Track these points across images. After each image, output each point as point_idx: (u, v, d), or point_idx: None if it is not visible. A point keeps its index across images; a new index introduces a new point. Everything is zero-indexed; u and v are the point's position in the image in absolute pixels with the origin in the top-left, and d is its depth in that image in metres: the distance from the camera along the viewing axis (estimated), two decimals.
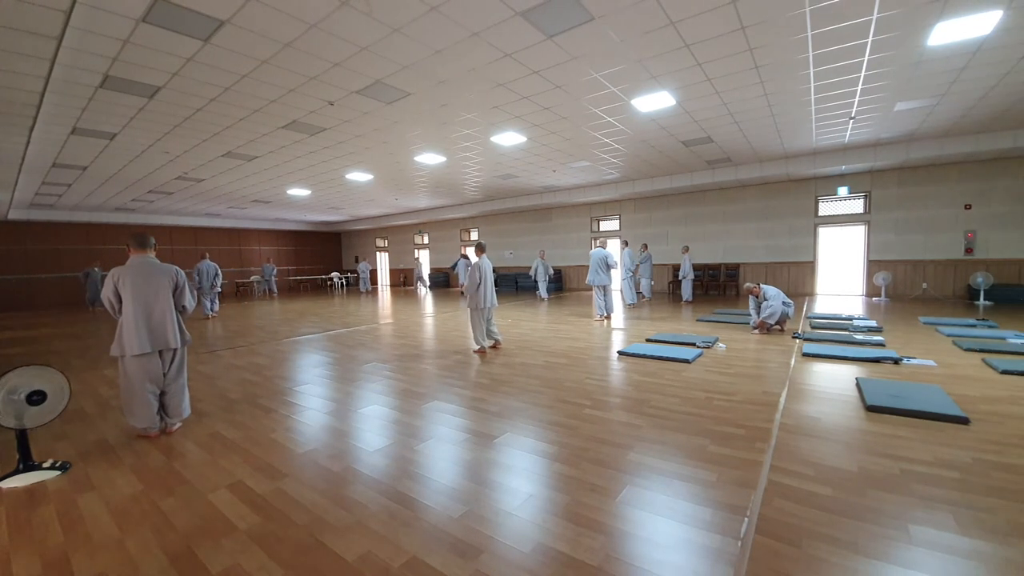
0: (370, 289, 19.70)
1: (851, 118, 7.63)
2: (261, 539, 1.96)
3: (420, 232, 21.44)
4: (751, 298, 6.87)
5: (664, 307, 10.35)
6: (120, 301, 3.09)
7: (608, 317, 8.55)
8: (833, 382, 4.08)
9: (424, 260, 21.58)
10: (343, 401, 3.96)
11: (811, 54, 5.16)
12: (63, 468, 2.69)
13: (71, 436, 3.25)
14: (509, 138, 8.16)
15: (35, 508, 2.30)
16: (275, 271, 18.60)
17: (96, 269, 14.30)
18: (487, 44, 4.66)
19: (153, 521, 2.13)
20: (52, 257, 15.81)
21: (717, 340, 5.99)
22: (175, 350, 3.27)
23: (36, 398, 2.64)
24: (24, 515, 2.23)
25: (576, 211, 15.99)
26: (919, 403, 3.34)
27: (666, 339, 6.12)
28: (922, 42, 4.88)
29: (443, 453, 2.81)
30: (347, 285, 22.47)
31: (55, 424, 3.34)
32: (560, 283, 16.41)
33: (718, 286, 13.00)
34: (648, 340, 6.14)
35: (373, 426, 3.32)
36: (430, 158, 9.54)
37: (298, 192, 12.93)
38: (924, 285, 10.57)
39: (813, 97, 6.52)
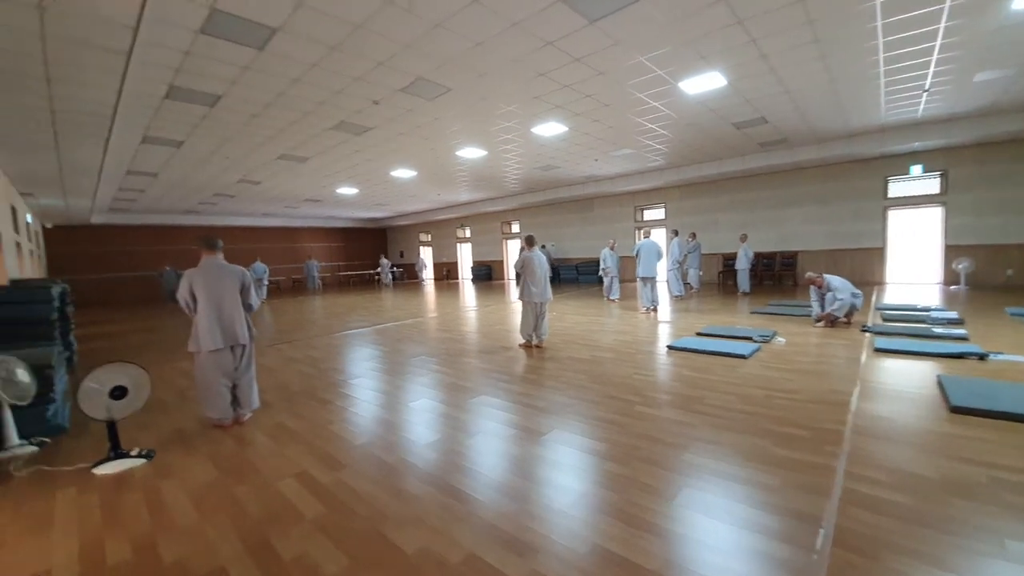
0: (390, 284, 20.45)
1: (925, 91, 6.95)
2: (327, 529, 2.06)
3: (462, 226, 21.69)
4: (812, 289, 6.45)
5: (713, 299, 9.93)
6: (195, 300, 3.32)
7: (655, 309, 8.31)
8: (911, 380, 3.76)
9: (466, 254, 21.88)
10: (393, 394, 4.09)
11: (879, 23, 4.73)
12: (148, 456, 2.94)
13: (153, 426, 3.54)
14: (550, 128, 8.04)
15: (124, 494, 2.52)
16: (318, 267, 19.45)
17: (168, 268, 15.63)
18: (528, 33, 4.58)
19: (228, 508, 2.28)
20: (128, 257, 17.33)
21: (775, 334, 5.67)
22: (244, 345, 3.48)
23: (117, 392, 2.88)
24: (114, 500, 2.46)
25: (619, 200, 15.59)
26: (1011, 404, 3.01)
27: (718, 332, 5.87)
28: (1006, 5, 4.35)
29: (493, 448, 2.83)
30: (394, 279, 22.96)
31: (140, 414, 3.64)
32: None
33: (773, 276, 12.30)
34: (699, 334, 5.91)
35: (423, 419, 3.40)
36: (471, 152, 9.58)
37: (346, 190, 13.39)
38: (1008, 272, 9.51)
39: (882, 69, 5.98)
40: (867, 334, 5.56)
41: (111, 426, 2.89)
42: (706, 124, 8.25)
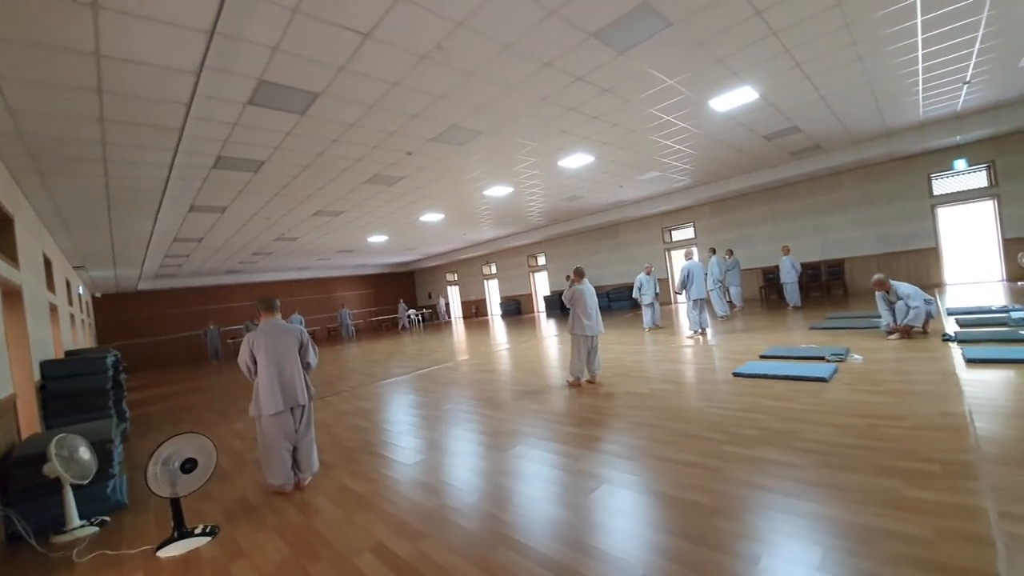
0: (407, 327, 21.13)
1: (966, 83, 6.67)
2: None
3: (487, 263, 21.83)
4: (879, 297, 6.02)
5: (760, 316, 9.47)
6: (255, 364, 3.28)
7: (703, 333, 7.95)
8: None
9: (494, 290, 21.93)
10: (454, 447, 3.90)
11: (919, 20, 4.58)
12: (212, 533, 2.82)
13: (215, 496, 3.44)
14: (576, 160, 8.05)
15: None
16: (350, 314, 20.15)
17: (212, 326, 16.24)
18: (558, 71, 4.61)
19: None
20: (174, 319, 18.02)
21: (849, 351, 5.26)
22: (303, 406, 3.40)
23: (188, 466, 2.81)
24: None
25: (645, 224, 15.41)
26: None
27: (783, 354, 5.49)
28: None
29: (583, 505, 2.59)
30: (423, 321, 23.35)
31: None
32: (635, 300, 15.74)
33: (820, 286, 11.72)
34: (762, 357, 5.54)
35: (494, 476, 3.20)
36: (497, 190, 9.67)
37: (377, 238, 13.70)
38: None
39: (921, 66, 5.77)
40: (951, 343, 5.10)
41: (175, 503, 2.79)
42: (735, 139, 8.11)
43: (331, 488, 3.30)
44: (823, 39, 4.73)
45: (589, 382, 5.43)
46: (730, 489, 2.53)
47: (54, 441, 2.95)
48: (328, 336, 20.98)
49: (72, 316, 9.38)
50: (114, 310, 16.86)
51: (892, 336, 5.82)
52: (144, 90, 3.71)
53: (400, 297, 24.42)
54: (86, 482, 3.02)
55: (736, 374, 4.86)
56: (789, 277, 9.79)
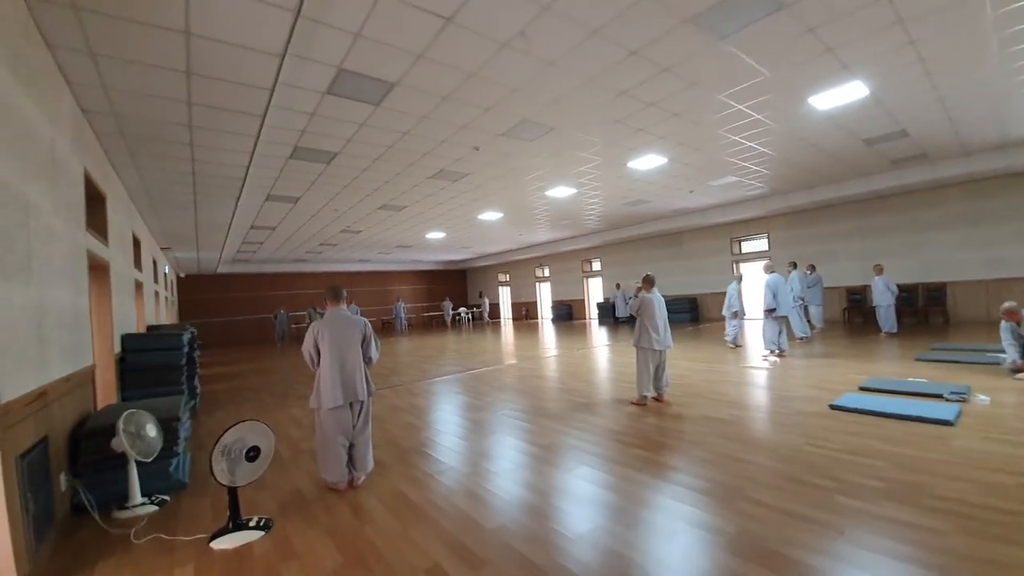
0: (449, 324, 21.76)
1: None
2: None
3: (541, 265, 21.55)
4: (1006, 329, 5.13)
5: (844, 340, 8.50)
6: (319, 354, 3.20)
7: (782, 354, 7.23)
8: None
9: (545, 294, 21.63)
10: (511, 459, 3.65)
11: None
12: (266, 527, 2.73)
13: (270, 485, 3.38)
14: (647, 161, 7.59)
15: (244, 575, 2.28)
16: (404, 308, 20.69)
17: (282, 311, 17.35)
18: (645, 61, 4.25)
19: None
20: (248, 302, 19.27)
21: (971, 390, 4.48)
22: (363, 402, 3.28)
23: (252, 454, 2.74)
24: None
25: (712, 233, 14.49)
26: None
27: (889, 387, 4.77)
28: None
29: (668, 551, 2.24)
30: (473, 319, 23.59)
31: None
32: (695, 313, 14.88)
33: (916, 312, 10.40)
34: (862, 388, 4.85)
35: (556, 498, 2.91)
36: (559, 191, 9.37)
37: (435, 235, 13.82)
38: None
39: None
40: None
41: (232, 493, 2.72)
42: (829, 143, 7.30)
43: (385, 491, 3.15)
44: (958, 30, 4.06)
45: (656, 399, 5.00)
46: (855, 553, 2.09)
47: (123, 416, 3.00)
48: (382, 328, 21.59)
49: (157, 293, 10.12)
50: (195, 290, 18.24)
51: (1021, 375, 4.93)
52: (230, 73, 3.74)
53: (450, 294, 24.80)
54: (149, 460, 3.05)
55: (834, 407, 4.25)
56: (883, 299, 8.71)
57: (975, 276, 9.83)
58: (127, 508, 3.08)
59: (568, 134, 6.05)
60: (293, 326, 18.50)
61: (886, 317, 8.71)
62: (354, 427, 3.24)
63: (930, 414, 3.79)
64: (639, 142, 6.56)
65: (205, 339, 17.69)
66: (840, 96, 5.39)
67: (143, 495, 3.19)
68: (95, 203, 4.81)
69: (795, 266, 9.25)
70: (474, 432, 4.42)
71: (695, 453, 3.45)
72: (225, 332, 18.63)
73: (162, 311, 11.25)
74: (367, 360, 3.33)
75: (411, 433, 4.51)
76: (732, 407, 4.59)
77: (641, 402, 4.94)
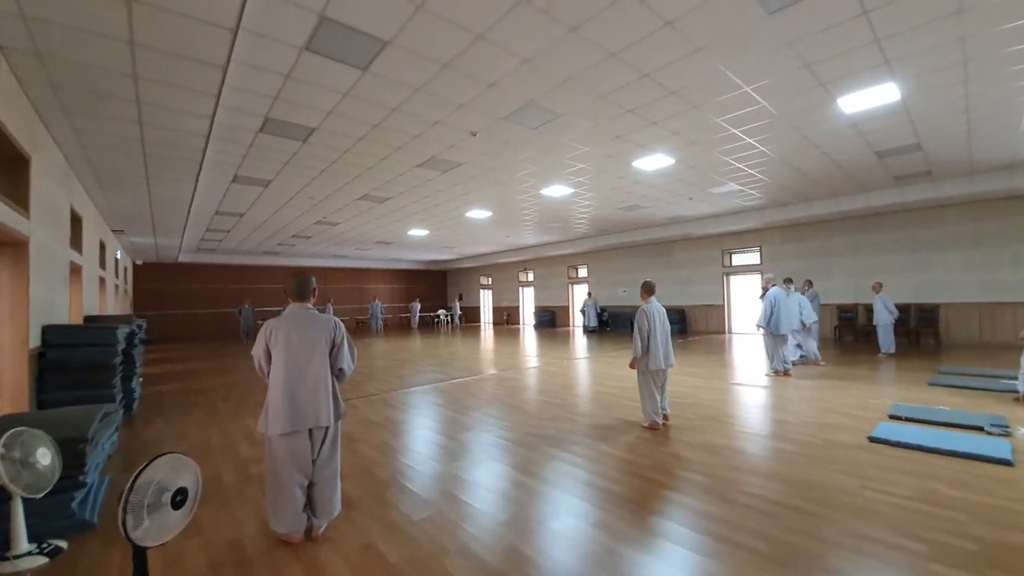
0: (415, 326, 21.25)
1: None
2: None
3: (525, 269, 20.97)
4: None
5: (841, 360, 8.18)
6: (270, 362, 2.48)
7: (787, 373, 6.82)
8: None
9: (529, 299, 21.08)
10: (515, 498, 3.00)
11: None
12: None
13: (204, 531, 2.62)
14: (654, 161, 7.11)
15: None
16: (382, 308, 19.76)
17: (247, 306, 16.17)
18: (679, 36, 3.72)
19: None
20: (211, 295, 17.99)
21: (1007, 421, 4.09)
22: (326, 428, 2.53)
23: (179, 498, 1.99)
24: None
25: (704, 244, 14.21)
26: None
27: (920, 416, 4.34)
28: None
29: None
30: (449, 322, 22.90)
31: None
32: (684, 324, 14.53)
33: (908, 333, 10.24)
34: (892, 417, 4.40)
35: (574, 554, 2.28)
36: (555, 190, 8.82)
37: (418, 232, 13.06)
38: None
39: None
40: None
41: (139, 555, 1.90)
42: (841, 152, 6.97)
43: (353, 546, 2.43)
44: (1012, 30, 3.68)
45: (663, 423, 4.43)
46: None
47: (5, 436, 2.23)
48: (356, 327, 20.58)
49: (103, 280, 9.06)
50: (153, 279, 16.90)
51: None
52: (182, 4, 3.00)
53: (430, 295, 23.97)
54: (38, 496, 2.28)
55: (874, 439, 3.75)
56: (883, 319, 8.44)
57: (969, 299, 9.74)
58: (6, 559, 2.30)
59: (575, 123, 5.49)
60: (259, 322, 17.34)
61: (885, 337, 8.44)
62: (314, 461, 2.48)
63: (984, 451, 3.33)
64: (651, 137, 6.05)
65: (162, 332, 16.44)
66: (871, 98, 5.01)
67: (31, 541, 2.41)
68: (14, 166, 3.97)
69: (790, 282, 8.89)
70: (463, 460, 3.75)
71: (726, 493, 2.87)
72: (184, 325, 17.33)
73: (109, 300, 10.13)
74: (337, 373, 2.60)
75: (388, 457, 3.81)
76: (757, 436, 4.06)
77: (654, 426, 4.35)
